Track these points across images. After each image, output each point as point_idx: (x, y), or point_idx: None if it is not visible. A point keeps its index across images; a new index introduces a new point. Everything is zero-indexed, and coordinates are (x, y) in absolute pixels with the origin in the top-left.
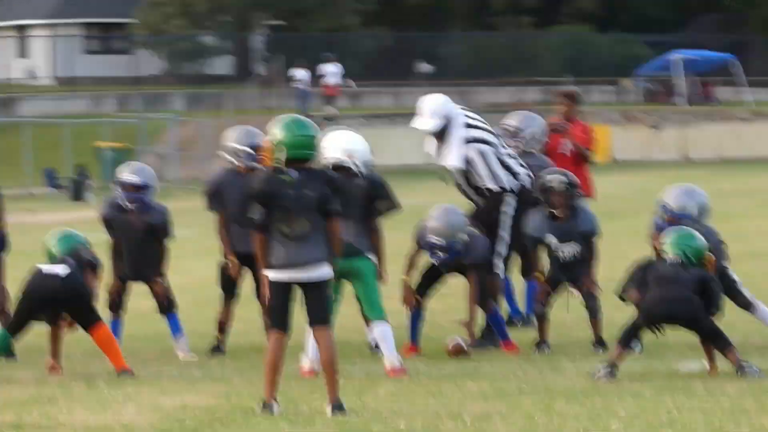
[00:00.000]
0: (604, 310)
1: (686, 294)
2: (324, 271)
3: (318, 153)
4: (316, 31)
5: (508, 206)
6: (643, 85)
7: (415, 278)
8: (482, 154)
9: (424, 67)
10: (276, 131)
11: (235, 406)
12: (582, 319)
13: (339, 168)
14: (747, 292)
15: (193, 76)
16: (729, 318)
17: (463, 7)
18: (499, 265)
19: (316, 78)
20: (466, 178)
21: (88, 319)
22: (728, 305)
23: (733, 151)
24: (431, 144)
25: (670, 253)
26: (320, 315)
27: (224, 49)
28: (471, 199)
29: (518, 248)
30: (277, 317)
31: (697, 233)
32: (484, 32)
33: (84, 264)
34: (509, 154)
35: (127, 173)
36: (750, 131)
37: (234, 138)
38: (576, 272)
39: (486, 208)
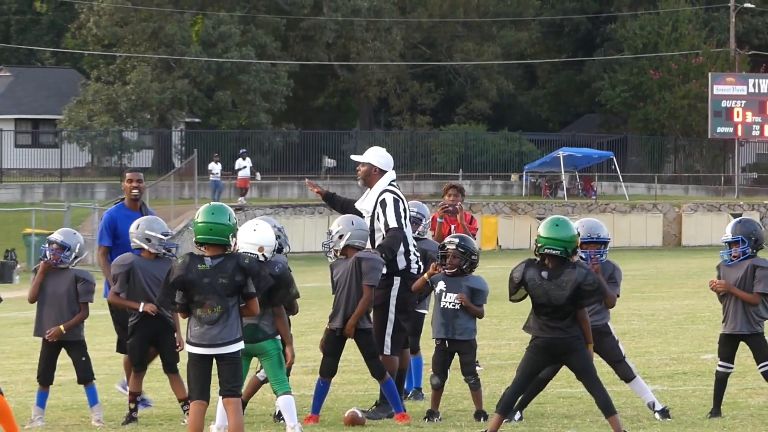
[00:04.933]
0: (486, 384)
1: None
2: (234, 347)
3: (233, 240)
4: (230, 128)
5: (395, 289)
6: (529, 179)
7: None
8: (396, 202)
9: (328, 161)
10: (197, 217)
11: None
12: (467, 392)
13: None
14: (631, 364)
15: (115, 168)
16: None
17: (365, 107)
18: (387, 343)
19: (228, 171)
20: (373, 224)
21: None
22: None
23: (611, 240)
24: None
25: None
26: (230, 386)
27: (145, 143)
28: None
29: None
30: (196, 388)
31: None
32: (384, 130)
33: None
34: (413, 239)
35: (57, 233)
36: (626, 222)
37: (145, 225)
38: (455, 324)
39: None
